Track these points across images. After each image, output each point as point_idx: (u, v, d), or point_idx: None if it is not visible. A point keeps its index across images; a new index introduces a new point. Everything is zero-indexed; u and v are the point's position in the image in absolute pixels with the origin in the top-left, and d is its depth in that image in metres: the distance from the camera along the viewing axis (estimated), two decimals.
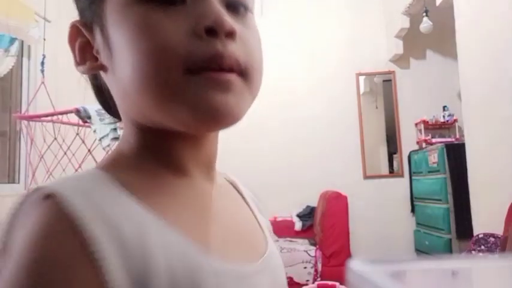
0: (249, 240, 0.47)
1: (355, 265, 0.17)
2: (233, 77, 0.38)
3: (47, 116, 2.46)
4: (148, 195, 0.39)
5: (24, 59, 3.43)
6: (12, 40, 3.01)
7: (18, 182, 3.26)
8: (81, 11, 0.44)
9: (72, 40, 0.45)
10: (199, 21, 0.37)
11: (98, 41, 0.42)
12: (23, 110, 3.21)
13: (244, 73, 0.39)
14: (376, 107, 4.42)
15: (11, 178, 3.26)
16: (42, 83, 2.71)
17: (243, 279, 0.40)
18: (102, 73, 0.44)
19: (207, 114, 0.38)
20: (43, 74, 2.73)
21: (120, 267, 0.32)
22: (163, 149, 0.43)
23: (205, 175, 0.46)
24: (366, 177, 4.23)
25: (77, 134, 2.37)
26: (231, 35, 0.38)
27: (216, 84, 0.37)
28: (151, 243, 0.34)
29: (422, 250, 3.82)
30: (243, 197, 0.53)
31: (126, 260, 0.32)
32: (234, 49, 0.38)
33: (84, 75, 0.51)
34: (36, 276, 0.30)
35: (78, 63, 0.44)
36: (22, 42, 3.21)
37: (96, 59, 0.43)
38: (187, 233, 0.38)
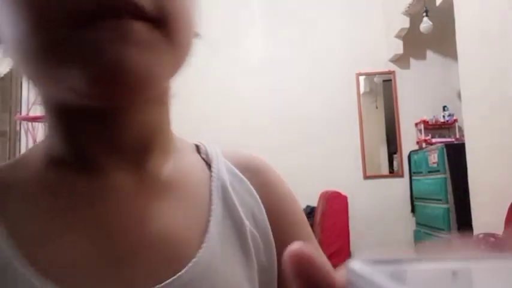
0: (158, 257, 0.33)
1: (355, 265, 0.17)
2: (138, 26, 0.28)
3: None
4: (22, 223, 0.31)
5: None
6: None
7: None
8: None
9: None
10: None
11: None
12: (25, 110, 3.21)
13: (158, 21, 0.29)
14: (376, 107, 4.42)
15: None
16: None
17: None
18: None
19: (104, 74, 0.28)
20: None
21: None
22: (63, 137, 0.33)
23: (133, 167, 0.34)
24: (366, 177, 4.23)
25: None
26: None
27: (114, 36, 0.28)
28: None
29: None
30: (211, 196, 0.37)
31: None
32: None
33: None
34: None
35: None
36: None
37: None
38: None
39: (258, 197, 0.39)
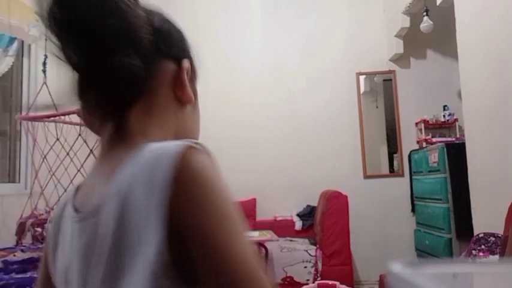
0: None
1: (396, 268, 0.18)
2: None
3: (49, 117, 2.47)
4: None
5: (25, 59, 3.43)
6: (11, 40, 3.01)
7: (19, 182, 3.26)
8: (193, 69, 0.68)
9: (187, 70, 0.64)
10: None
11: (192, 87, 0.66)
12: (25, 110, 3.21)
13: None
14: (377, 107, 4.42)
15: (12, 178, 3.26)
16: (44, 83, 2.71)
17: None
18: (187, 95, 0.63)
19: None
20: (45, 74, 2.73)
21: None
22: None
23: None
24: (366, 176, 4.23)
25: (79, 134, 2.37)
26: None
27: None
28: None
29: (422, 250, 3.82)
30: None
31: None
32: None
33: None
34: None
35: (188, 95, 0.63)
36: (22, 42, 3.21)
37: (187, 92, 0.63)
38: None
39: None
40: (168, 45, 0.61)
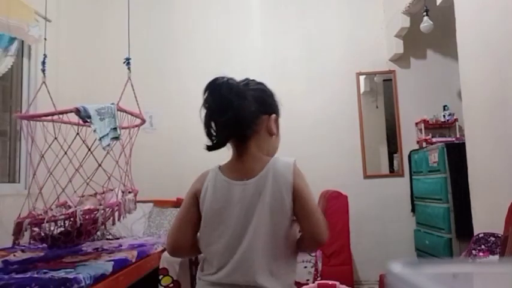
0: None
1: (396, 268, 0.18)
2: None
3: (47, 115, 2.46)
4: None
5: (25, 59, 3.43)
6: (11, 40, 3.01)
7: (19, 182, 3.26)
8: (277, 115, 1.24)
9: (273, 119, 1.21)
10: None
11: (276, 126, 1.23)
12: (24, 109, 3.21)
13: None
14: (377, 107, 4.42)
15: (12, 177, 3.26)
16: (43, 82, 2.71)
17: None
18: (273, 132, 1.22)
19: None
20: (44, 74, 2.73)
21: None
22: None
23: None
24: (366, 176, 4.23)
25: (77, 133, 2.36)
26: None
27: None
28: None
29: (422, 250, 3.82)
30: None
31: None
32: None
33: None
34: None
35: (270, 128, 1.20)
36: (22, 42, 3.21)
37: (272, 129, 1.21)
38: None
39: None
40: (264, 107, 1.17)
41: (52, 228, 2.15)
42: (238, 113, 1.06)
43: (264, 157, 1.13)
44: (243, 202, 1.08)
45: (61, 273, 1.85)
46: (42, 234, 2.19)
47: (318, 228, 1.10)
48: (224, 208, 1.09)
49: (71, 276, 1.80)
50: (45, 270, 1.92)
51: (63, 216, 2.20)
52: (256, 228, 1.05)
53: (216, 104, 1.08)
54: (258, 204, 1.06)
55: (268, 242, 1.05)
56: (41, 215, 2.32)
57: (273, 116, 1.19)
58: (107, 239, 3.04)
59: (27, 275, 1.85)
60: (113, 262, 2.15)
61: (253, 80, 1.20)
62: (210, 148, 1.09)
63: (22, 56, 3.40)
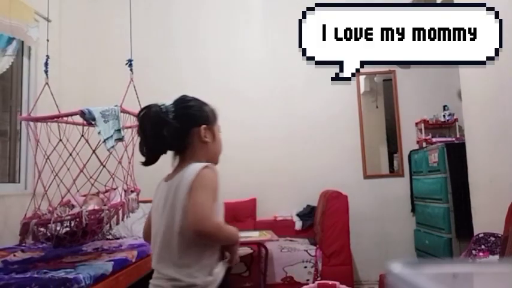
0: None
1: (396, 268, 0.18)
2: None
3: (51, 118, 2.48)
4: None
5: (25, 59, 3.43)
6: (9, 40, 3.00)
7: (19, 182, 3.26)
8: (208, 124, 1.39)
9: (203, 130, 1.36)
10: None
11: (209, 133, 1.38)
12: (28, 110, 3.21)
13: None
14: (377, 107, 4.42)
15: (11, 177, 3.26)
16: (46, 83, 2.71)
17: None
18: (205, 140, 1.37)
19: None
20: (47, 75, 2.73)
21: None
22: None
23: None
24: (366, 176, 4.23)
25: (82, 135, 2.37)
26: None
27: None
28: None
29: (422, 250, 3.82)
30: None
31: None
32: None
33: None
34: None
35: (202, 137, 1.36)
36: (22, 42, 3.21)
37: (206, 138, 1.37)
38: None
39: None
40: (191, 122, 1.35)
41: (58, 229, 2.17)
42: (157, 138, 1.30)
43: (192, 164, 1.30)
44: (160, 199, 1.32)
45: (61, 273, 1.85)
46: (48, 234, 2.21)
47: (192, 219, 1.19)
48: (156, 204, 1.36)
49: (71, 276, 1.80)
50: (45, 270, 1.92)
51: (69, 217, 2.21)
52: (160, 222, 1.29)
53: (141, 131, 1.34)
54: (168, 200, 1.28)
55: (165, 234, 1.27)
56: (46, 214, 2.33)
57: (202, 126, 1.35)
58: (107, 239, 3.04)
59: (27, 275, 1.85)
60: (112, 262, 2.15)
61: (181, 99, 1.38)
62: (144, 164, 1.34)
63: (22, 56, 3.40)
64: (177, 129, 1.31)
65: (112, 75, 3.74)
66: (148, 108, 1.33)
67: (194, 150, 1.35)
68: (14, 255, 2.36)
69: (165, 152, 1.36)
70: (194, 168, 1.27)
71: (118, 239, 3.13)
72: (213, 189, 1.25)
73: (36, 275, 1.84)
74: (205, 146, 1.36)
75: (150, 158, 1.33)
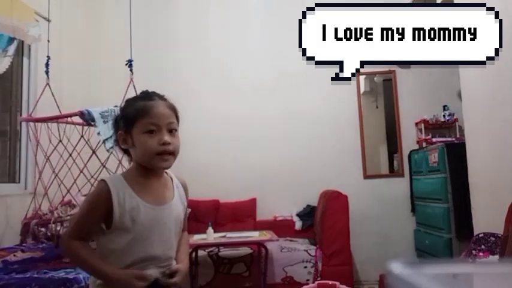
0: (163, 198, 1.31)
1: (396, 268, 0.18)
2: (170, 157, 1.26)
3: (52, 119, 2.48)
4: (134, 186, 1.26)
5: (25, 59, 3.43)
6: (10, 40, 3.00)
7: (19, 182, 3.26)
8: (125, 127, 1.27)
9: (120, 136, 1.28)
10: (161, 139, 1.23)
11: (128, 138, 1.26)
12: (28, 111, 3.21)
13: (173, 154, 1.26)
14: (377, 107, 4.42)
15: (11, 178, 3.26)
16: (47, 84, 2.71)
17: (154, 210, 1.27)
18: (125, 148, 1.29)
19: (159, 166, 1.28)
20: (48, 76, 2.73)
21: (116, 205, 1.20)
22: (144, 172, 1.29)
23: (157, 178, 1.32)
24: (366, 176, 4.23)
25: (82, 136, 2.38)
26: (169, 143, 1.23)
27: (166, 159, 1.25)
28: (126, 201, 1.23)
29: (422, 250, 3.82)
30: (172, 184, 1.36)
31: (119, 204, 1.21)
32: (170, 147, 1.24)
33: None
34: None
35: (121, 144, 1.29)
36: (22, 42, 3.21)
37: (126, 144, 1.28)
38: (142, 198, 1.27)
39: (183, 190, 1.39)
40: (115, 127, 1.33)
41: (58, 228, 2.17)
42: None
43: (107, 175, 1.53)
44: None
45: (61, 273, 1.86)
46: (49, 234, 2.21)
47: None
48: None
49: (71, 276, 1.80)
50: (45, 270, 1.92)
51: (69, 217, 2.22)
52: None
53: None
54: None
55: None
56: (47, 214, 2.33)
57: (119, 132, 1.27)
58: None
59: (27, 275, 1.85)
60: None
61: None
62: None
63: (22, 56, 3.40)
64: (114, 131, 1.34)
65: (112, 76, 3.73)
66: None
67: (131, 155, 1.29)
68: (14, 255, 2.36)
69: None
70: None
71: None
72: (86, 206, 1.24)
73: (36, 275, 1.84)
74: (133, 151, 1.27)
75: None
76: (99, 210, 1.19)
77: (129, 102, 1.30)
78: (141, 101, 1.26)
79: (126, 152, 1.31)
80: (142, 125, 1.22)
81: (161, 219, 1.25)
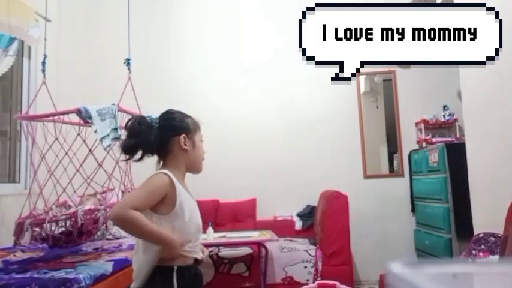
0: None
1: (396, 268, 0.18)
2: None
3: (48, 116, 2.46)
4: (181, 182, 1.52)
5: (25, 59, 3.43)
6: (11, 40, 3.00)
7: (19, 182, 3.26)
8: (189, 133, 1.57)
9: (183, 138, 1.55)
10: (204, 150, 1.62)
11: (189, 142, 1.56)
12: (24, 110, 3.21)
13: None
14: (377, 107, 4.42)
15: (12, 177, 3.26)
16: (44, 83, 2.71)
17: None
18: (185, 148, 1.54)
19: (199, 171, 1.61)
20: (44, 74, 2.72)
21: (179, 194, 1.46)
22: (183, 173, 1.57)
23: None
24: (366, 176, 4.23)
25: (78, 134, 2.36)
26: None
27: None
28: (182, 193, 1.48)
29: (422, 250, 3.82)
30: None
31: (179, 193, 1.46)
32: None
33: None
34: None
35: (184, 145, 1.53)
36: (22, 42, 3.20)
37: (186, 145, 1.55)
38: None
39: None
40: (172, 131, 1.53)
41: (53, 228, 2.15)
42: (139, 140, 1.47)
43: (164, 169, 1.50)
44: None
45: (61, 273, 1.85)
46: (43, 235, 2.19)
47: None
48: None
49: (71, 276, 1.80)
50: (45, 270, 1.92)
51: (64, 217, 2.20)
52: None
53: (127, 133, 1.50)
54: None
55: None
56: (42, 215, 2.32)
57: (182, 135, 1.52)
58: (107, 239, 3.04)
59: (27, 275, 1.85)
60: (112, 262, 2.15)
61: (166, 112, 1.58)
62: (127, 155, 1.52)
63: (22, 56, 3.40)
64: (159, 137, 1.49)
65: (111, 75, 3.73)
66: (135, 118, 1.52)
67: (175, 157, 1.52)
68: (14, 255, 2.36)
69: (144, 154, 1.51)
70: (155, 173, 1.48)
71: (118, 239, 3.13)
72: (150, 189, 1.42)
73: (36, 275, 1.83)
74: (186, 154, 1.53)
75: (131, 157, 1.49)
76: (160, 195, 1.41)
77: (182, 114, 1.58)
78: (191, 118, 1.59)
79: (160, 155, 1.53)
80: (200, 136, 1.59)
81: (198, 210, 1.56)
